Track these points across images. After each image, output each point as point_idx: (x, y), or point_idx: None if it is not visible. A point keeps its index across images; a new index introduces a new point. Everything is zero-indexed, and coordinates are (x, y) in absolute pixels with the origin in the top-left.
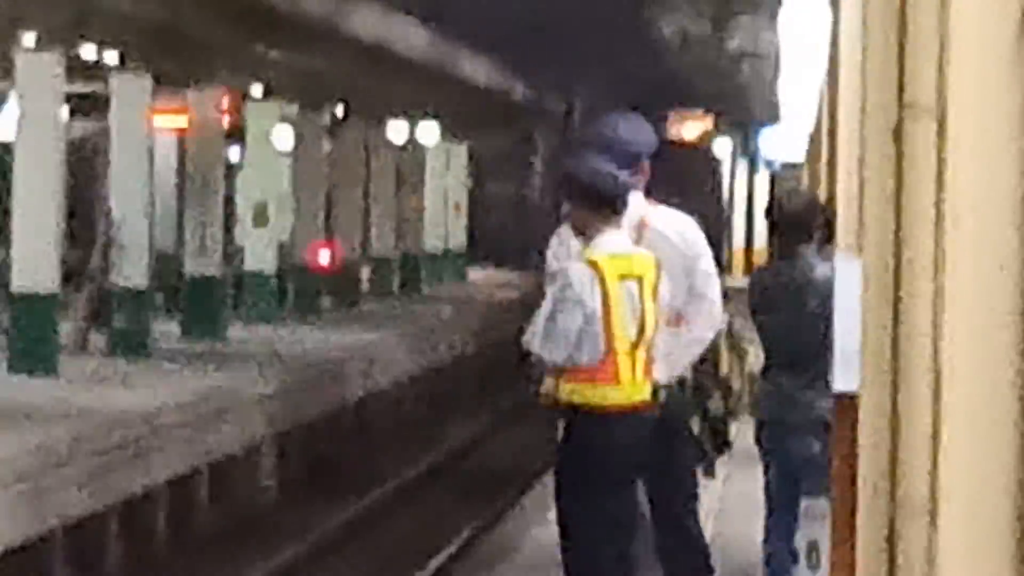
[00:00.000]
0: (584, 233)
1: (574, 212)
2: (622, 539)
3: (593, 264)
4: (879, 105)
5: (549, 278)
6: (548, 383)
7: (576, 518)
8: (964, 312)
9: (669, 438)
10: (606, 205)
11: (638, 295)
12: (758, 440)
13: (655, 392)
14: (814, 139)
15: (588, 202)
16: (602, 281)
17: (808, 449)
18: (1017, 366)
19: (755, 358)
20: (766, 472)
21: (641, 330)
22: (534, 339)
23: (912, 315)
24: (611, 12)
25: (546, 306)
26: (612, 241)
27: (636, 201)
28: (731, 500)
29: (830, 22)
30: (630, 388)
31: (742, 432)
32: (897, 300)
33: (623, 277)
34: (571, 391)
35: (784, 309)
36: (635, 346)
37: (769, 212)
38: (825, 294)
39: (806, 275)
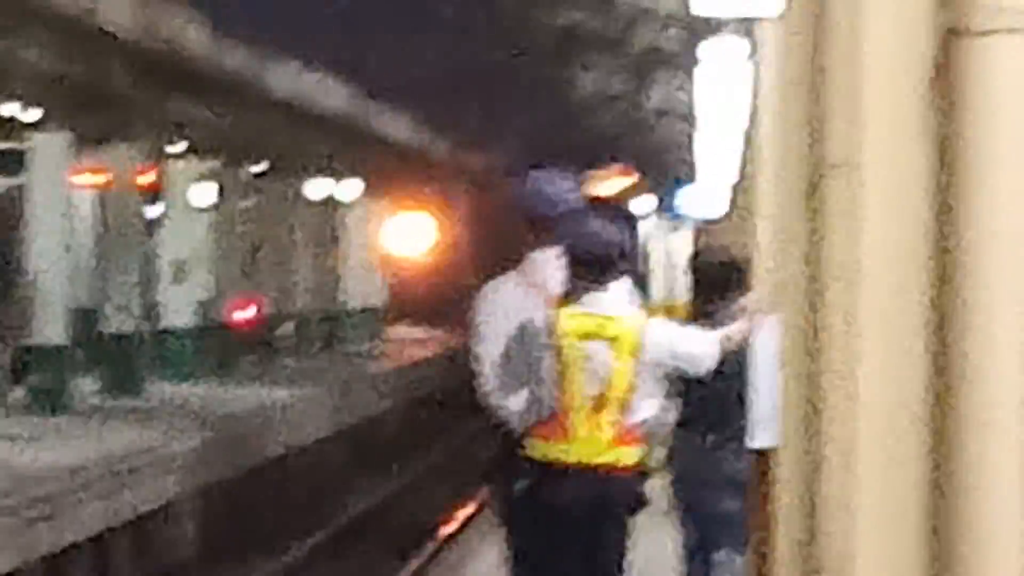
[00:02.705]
0: (573, 290)
1: (568, 270)
2: None
3: (549, 321)
4: (796, 162)
5: (475, 332)
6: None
7: (523, 564)
8: (879, 370)
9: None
10: (590, 265)
11: (607, 356)
12: (673, 497)
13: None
14: (733, 196)
15: (572, 262)
16: (556, 339)
17: (723, 506)
18: (931, 425)
19: None
20: (680, 529)
21: (605, 392)
22: (491, 392)
23: (828, 373)
24: (530, 70)
25: (499, 359)
26: (591, 300)
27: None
28: (646, 556)
29: (746, 81)
30: (587, 447)
31: (655, 488)
32: (814, 358)
33: (586, 336)
34: (529, 446)
35: None
36: (598, 407)
37: (691, 269)
38: (741, 352)
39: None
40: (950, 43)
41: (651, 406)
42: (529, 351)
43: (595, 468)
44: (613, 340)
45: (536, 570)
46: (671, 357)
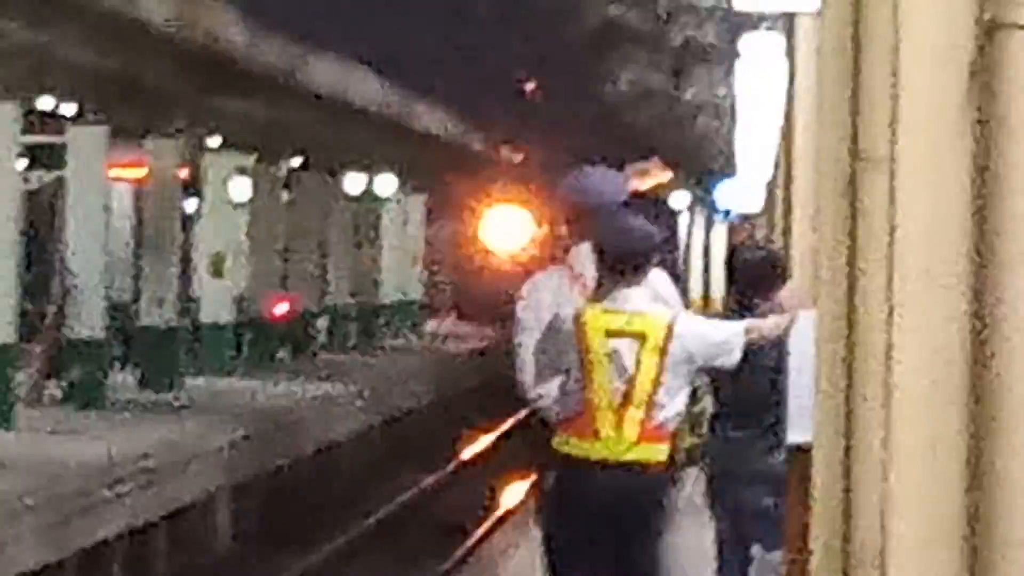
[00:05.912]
0: (601, 286)
1: (596, 265)
2: None
3: (577, 317)
4: (833, 157)
5: (516, 322)
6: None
7: (555, 563)
8: (915, 365)
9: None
10: (620, 261)
11: (633, 353)
12: (708, 492)
13: (672, 457)
14: (771, 190)
15: (602, 257)
16: (583, 335)
17: (759, 502)
18: (967, 420)
19: None
20: (717, 524)
21: (631, 389)
22: (526, 382)
23: (864, 367)
24: (567, 64)
25: (535, 349)
26: (620, 296)
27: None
28: (682, 552)
29: (785, 75)
30: (614, 445)
31: (691, 482)
32: (850, 352)
33: (612, 333)
34: (557, 441)
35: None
36: (624, 404)
37: (728, 263)
38: (778, 347)
39: None
40: (990, 36)
41: (679, 403)
42: (559, 344)
43: (621, 465)
44: (640, 337)
45: (567, 565)
46: (699, 352)
